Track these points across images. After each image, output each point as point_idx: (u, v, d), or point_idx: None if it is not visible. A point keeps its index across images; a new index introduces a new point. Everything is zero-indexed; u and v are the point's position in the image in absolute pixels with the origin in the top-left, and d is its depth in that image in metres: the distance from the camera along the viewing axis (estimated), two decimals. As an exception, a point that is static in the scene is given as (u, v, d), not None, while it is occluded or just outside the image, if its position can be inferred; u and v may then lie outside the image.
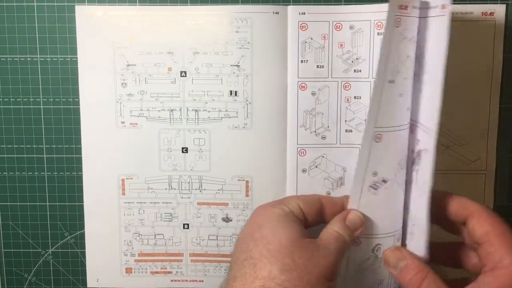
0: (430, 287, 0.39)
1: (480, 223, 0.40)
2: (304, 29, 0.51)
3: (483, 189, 0.54)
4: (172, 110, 0.53)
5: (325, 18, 0.51)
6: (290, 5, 0.51)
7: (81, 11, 0.52)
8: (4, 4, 0.53)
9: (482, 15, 0.50)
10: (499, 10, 0.51)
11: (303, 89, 0.51)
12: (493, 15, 0.50)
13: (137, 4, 0.53)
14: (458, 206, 0.42)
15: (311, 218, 0.45)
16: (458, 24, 0.51)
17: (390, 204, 0.45)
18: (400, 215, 0.46)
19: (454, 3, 0.51)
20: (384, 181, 0.45)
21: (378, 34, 0.50)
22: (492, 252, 0.38)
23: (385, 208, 0.45)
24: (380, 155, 0.44)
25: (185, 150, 0.54)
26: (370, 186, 0.45)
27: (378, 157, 0.44)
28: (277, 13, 0.51)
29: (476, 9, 0.51)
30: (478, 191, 0.53)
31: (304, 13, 0.51)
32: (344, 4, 0.52)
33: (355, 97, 0.51)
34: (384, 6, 0.43)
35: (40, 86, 0.54)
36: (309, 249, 0.40)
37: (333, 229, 0.42)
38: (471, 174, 0.53)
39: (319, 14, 0.51)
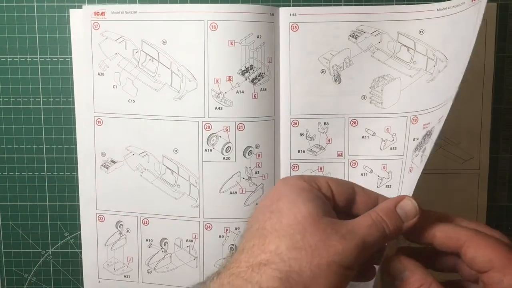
0: None
1: (480, 251, 0.36)
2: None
3: (477, 188, 0.54)
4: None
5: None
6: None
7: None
8: (4, 4, 0.54)
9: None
10: (490, 10, 0.51)
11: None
12: None
13: (137, 3, 0.54)
14: (446, 238, 0.37)
15: (340, 202, 0.39)
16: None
17: (125, 184, 0.54)
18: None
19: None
20: (113, 161, 0.53)
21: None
22: (500, 279, 0.35)
23: (120, 187, 0.54)
24: (103, 137, 0.53)
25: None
26: (102, 165, 0.54)
27: (102, 139, 0.53)
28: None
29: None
30: (471, 190, 0.54)
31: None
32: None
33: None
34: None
35: (40, 86, 0.55)
36: (327, 229, 0.35)
37: (376, 212, 0.37)
38: (464, 173, 0.54)
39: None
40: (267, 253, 0.34)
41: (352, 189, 0.40)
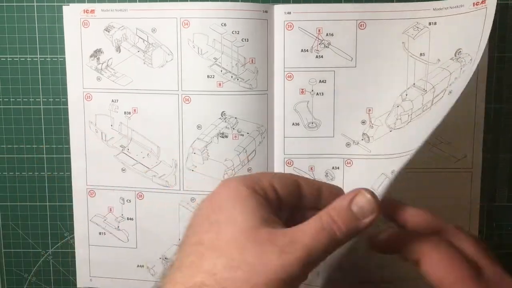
0: None
1: (432, 269, 0.34)
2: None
3: (470, 188, 0.52)
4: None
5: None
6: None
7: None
8: (4, 4, 0.54)
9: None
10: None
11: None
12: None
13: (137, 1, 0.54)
14: (409, 246, 0.35)
15: (288, 201, 0.37)
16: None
17: None
18: None
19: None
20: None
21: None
22: None
23: None
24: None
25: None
26: None
27: None
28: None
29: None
30: (464, 189, 0.53)
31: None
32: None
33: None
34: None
35: (40, 86, 0.55)
36: (265, 242, 0.31)
37: (328, 213, 0.33)
38: (457, 172, 0.52)
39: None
40: (203, 274, 0.31)
41: (296, 183, 0.38)
